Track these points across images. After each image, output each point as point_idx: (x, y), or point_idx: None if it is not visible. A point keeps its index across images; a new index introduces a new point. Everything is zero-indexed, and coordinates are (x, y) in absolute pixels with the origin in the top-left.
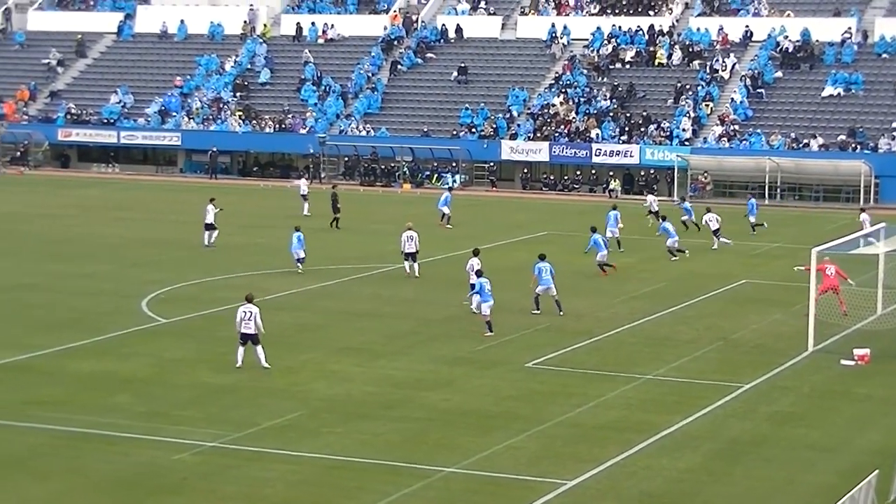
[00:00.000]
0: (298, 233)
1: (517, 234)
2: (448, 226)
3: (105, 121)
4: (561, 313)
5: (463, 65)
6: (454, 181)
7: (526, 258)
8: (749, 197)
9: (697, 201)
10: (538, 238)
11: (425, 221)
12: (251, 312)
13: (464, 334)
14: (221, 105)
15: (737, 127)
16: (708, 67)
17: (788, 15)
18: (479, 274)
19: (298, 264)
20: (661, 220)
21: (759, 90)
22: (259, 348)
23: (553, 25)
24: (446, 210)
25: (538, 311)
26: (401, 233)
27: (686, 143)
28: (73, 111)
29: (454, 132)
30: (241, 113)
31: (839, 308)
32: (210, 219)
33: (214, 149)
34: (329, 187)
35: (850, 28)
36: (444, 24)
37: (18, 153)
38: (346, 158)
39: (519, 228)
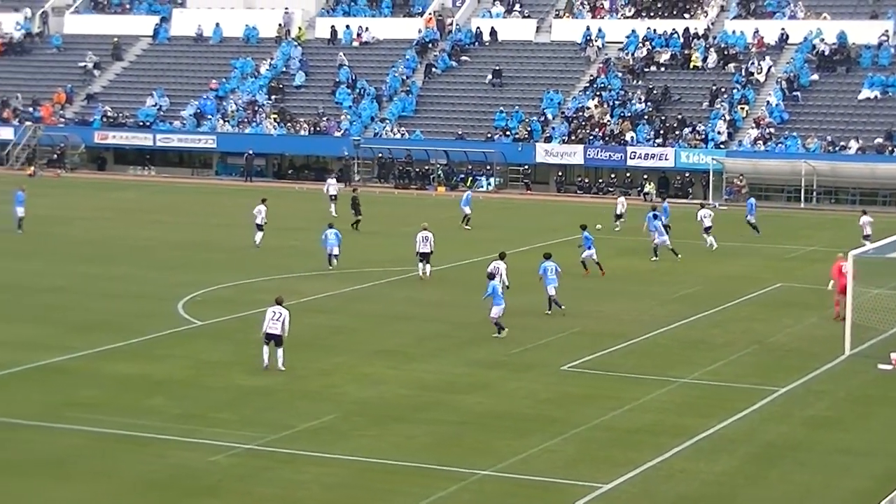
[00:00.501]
0: (334, 229)
1: (552, 238)
2: (466, 227)
3: (141, 123)
4: (562, 308)
5: (497, 68)
6: (488, 184)
7: (560, 261)
8: (748, 197)
9: (732, 205)
10: (572, 241)
11: (458, 224)
12: (281, 314)
13: (497, 338)
14: (256, 108)
15: (772, 130)
16: (743, 70)
17: (825, 17)
18: (490, 277)
19: (333, 260)
20: (653, 219)
21: (794, 93)
22: (280, 350)
23: (588, 28)
24: (467, 210)
25: (550, 312)
26: (416, 233)
27: (721, 146)
28: (109, 114)
29: (489, 135)
30: (276, 116)
31: (835, 311)
32: (260, 220)
33: (250, 151)
34: (350, 190)
35: (886, 31)
36: (478, 27)
37: (55, 156)
38: (381, 161)
39: (553, 231)
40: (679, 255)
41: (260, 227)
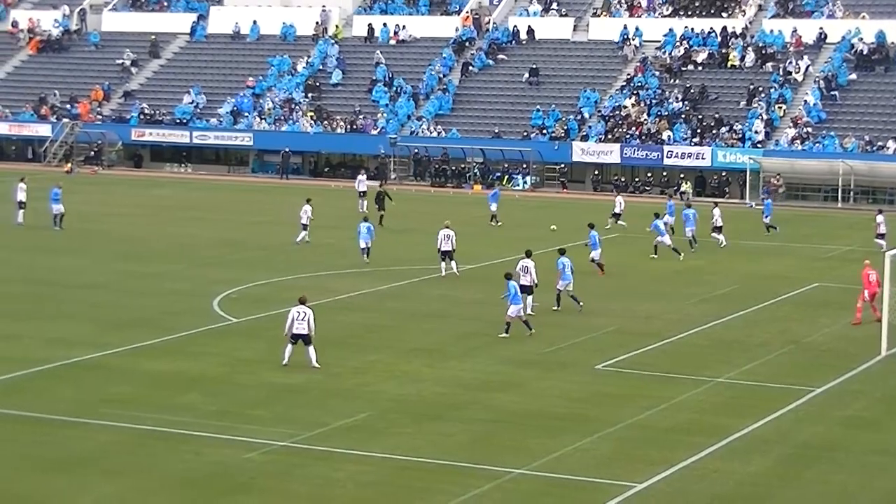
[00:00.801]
0: (367, 223)
1: (582, 237)
2: (492, 224)
3: (178, 121)
4: (580, 305)
5: (534, 66)
6: (524, 183)
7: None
8: (765, 198)
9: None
10: (609, 240)
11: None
12: (305, 314)
13: (533, 336)
14: (293, 105)
15: (810, 129)
16: (781, 69)
17: (863, 17)
18: (507, 277)
19: (364, 255)
20: (654, 217)
21: (832, 92)
22: (311, 348)
23: (625, 27)
24: (493, 207)
25: (558, 308)
26: (438, 231)
27: (758, 145)
28: (146, 111)
29: (525, 133)
30: (312, 113)
31: (856, 317)
32: (306, 219)
33: (287, 149)
34: (378, 185)
35: None
36: (515, 26)
37: (92, 153)
38: (417, 159)
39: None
40: (681, 255)
41: (305, 227)
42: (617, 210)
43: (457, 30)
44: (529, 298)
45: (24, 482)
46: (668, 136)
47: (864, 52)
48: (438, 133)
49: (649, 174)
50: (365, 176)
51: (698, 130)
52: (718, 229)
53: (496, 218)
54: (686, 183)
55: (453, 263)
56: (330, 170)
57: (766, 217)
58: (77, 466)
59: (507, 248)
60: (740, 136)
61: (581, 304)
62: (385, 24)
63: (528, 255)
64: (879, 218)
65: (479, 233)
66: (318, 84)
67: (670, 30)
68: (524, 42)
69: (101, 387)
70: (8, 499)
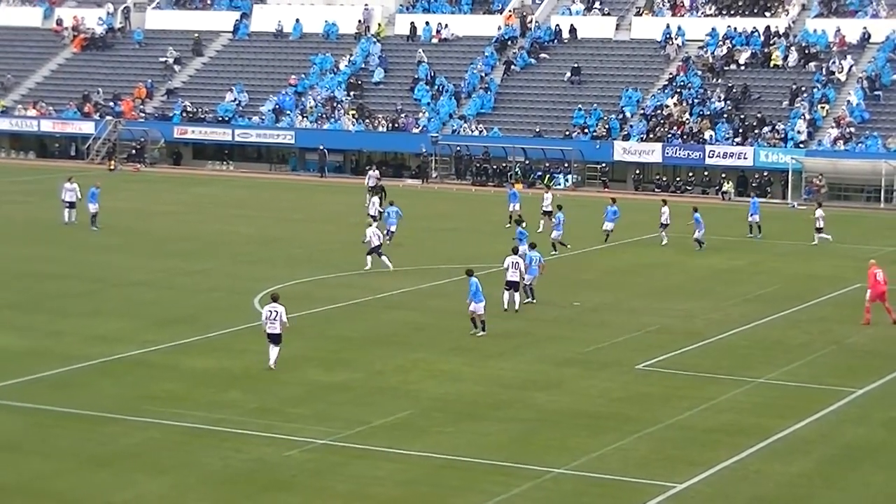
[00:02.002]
0: (395, 207)
1: (628, 236)
2: (508, 226)
3: (220, 119)
4: (534, 301)
5: (576, 65)
6: (566, 182)
7: (634, 259)
8: (752, 196)
9: (812, 204)
10: (647, 240)
11: (537, 223)
12: (276, 312)
13: (573, 335)
14: (335, 104)
15: (853, 129)
16: (824, 69)
17: None
18: (469, 273)
19: (387, 238)
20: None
21: (876, 92)
22: (276, 349)
23: (668, 26)
24: (516, 207)
25: (533, 301)
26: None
27: (801, 145)
28: (188, 109)
29: (567, 132)
30: (354, 112)
31: (865, 317)
32: (374, 211)
33: (322, 146)
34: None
35: None
36: (557, 25)
37: (135, 150)
38: (458, 157)
39: (630, 229)
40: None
41: (374, 218)
42: (664, 220)
43: (499, 28)
44: (517, 294)
45: (67, 477)
46: (711, 135)
47: None
48: (480, 132)
49: (691, 174)
50: (377, 172)
51: (740, 130)
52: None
53: (514, 217)
54: (728, 183)
55: (384, 258)
56: (371, 168)
57: (752, 216)
58: (119, 462)
59: (549, 247)
60: (783, 135)
61: (535, 300)
62: (427, 23)
63: (515, 251)
64: (819, 212)
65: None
66: (360, 82)
67: (713, 29)
68: (566, 41)
69: (144, 384)
70: (51, 494)
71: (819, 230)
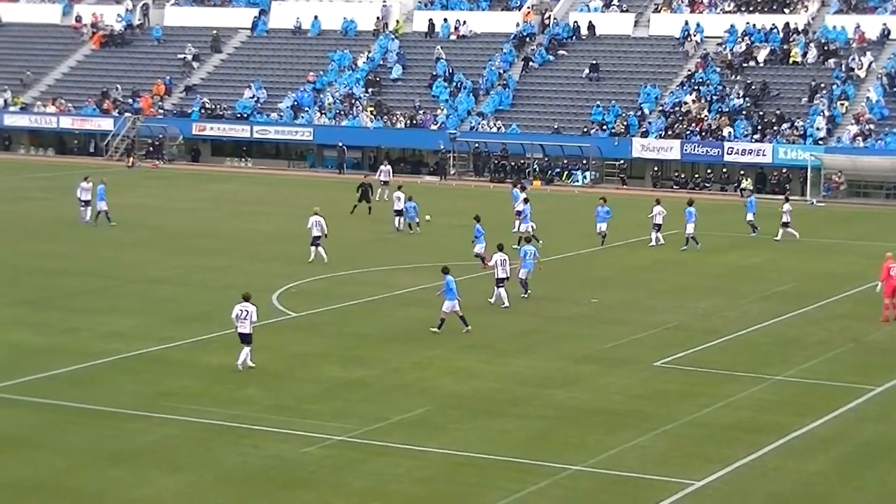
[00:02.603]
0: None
1: (646, 233)
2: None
3: (238, 115)
4: (527, 295)
5: (595, 62)
6: (584, 178)
7: (653, 257)
8: (749, 195)
9: (831, 201)
10: (667, 236)
11: (555, 220)
12: (247, 311)
13: (591, 333)
14: (353, 101)
15: (872, 126)
16: (844, 66)
17: None
18: (445, 271)
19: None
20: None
21: (895, 89)
22: (246, 349)
23: (686, 23)
24: (520, 207)
25: (526, 295)
26: (308, 217)
27: (820, 142)
28: (207, 105)
29: (585, 129)
30: (372, 108)
31: (883, 314)
32: (399, 206)
33: (341, 143)
34: (363, 178)
35: None
36: (576, 21)
37: (153, 147)
38: (476, 154)
39: (645, 227)
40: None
41: (398, 213)
42: (657, 221)
43: (517, 25)
44: (503, 290)
45: (84, 474)
46: (729, 132)
47: None
48: (498, 129)
49: (709, 171)
50: (389, 167)
51: (759, 127)
52: (658, 227)
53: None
54: (746, 180)
55: (321, 250)
56: (390, 165)
57: (750, 214)
58: (137, 459)
59: (566, 245)
60: (802, 132)
61: (529, 292)
62: (445, 20)
63: (501, 248)
64: (786, 206)
65: (537, 229)
66: (378, 79)
67: (732, 26)
68: (585, 37)
69: (161, 380)
70: (68, 490)
71: (785, 224)
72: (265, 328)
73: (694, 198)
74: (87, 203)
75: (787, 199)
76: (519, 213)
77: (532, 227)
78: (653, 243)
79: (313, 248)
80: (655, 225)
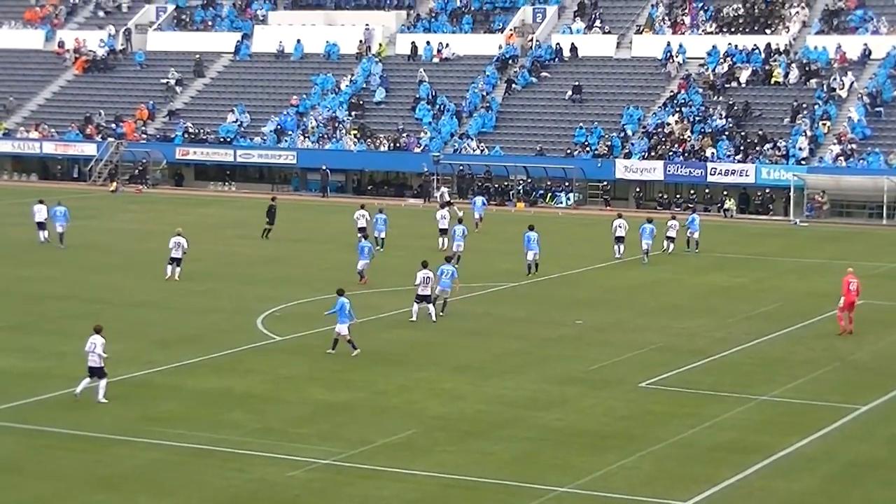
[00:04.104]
0: (382, 214)
1: (629, 254)
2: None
3: (222, 139)
4: (530, 274)
5: (577, 83)
6: (567, 200)
7: (640, 278)
8: (691, 212)
9: (814, 221)
10: (652, 257)
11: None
12: (95, 344)
13: (576, 354)
14: (337, 124)
15: (854, 146)
16: (825, 86)
17: None
18: (340, 293)
19: (378, 247)
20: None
21: (877, 109)
22: (103, 382)
23: (668, 44)
24: (477, 215)
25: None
26: (170, 237)
27: (803, 162)
28: (190, 130)
29: (568, 151)
30: (356, 132)
31: (839, 326)
32: (362, 224)
33: (324, 166)
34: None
35: None
36: (558, 43)
37: (137, 171)
38: (460, 176)
39: (632, 247)
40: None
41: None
42: (618, 234)
43: (500, 47)
44: (430, 307)
45: (70, 500)
46: (712, 153)
47: None
48: (482, 151)
49: (693, 191)
50: (445, 189)
51: (742, 147)
52: (670, 239)
53: (477, 225)
54: (730, 200)
55: (178, 269)
56: (373, 188)
57: (691, 233)
58: (122, 484)
59: (550, 266)
60: (784, 152)
61: (444, 313)
62: (428, 42)
63: (425, 265)
64: (672, 222)
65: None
66: (361, 102)
67: (714, 47)
68: (567, 59)
69: (148, 404)
70: None
71: (671, 239)
72: (250, 352)
73: (675, 214)
74: (40, 225)
75: (673, 217)
76: (443, 230)
77: (459, 246)
78: (618, 256)
79: (170, 266)
80: (617, 238)
